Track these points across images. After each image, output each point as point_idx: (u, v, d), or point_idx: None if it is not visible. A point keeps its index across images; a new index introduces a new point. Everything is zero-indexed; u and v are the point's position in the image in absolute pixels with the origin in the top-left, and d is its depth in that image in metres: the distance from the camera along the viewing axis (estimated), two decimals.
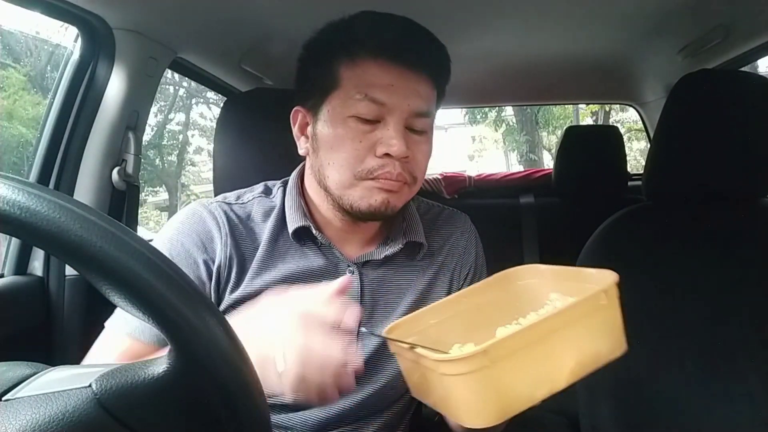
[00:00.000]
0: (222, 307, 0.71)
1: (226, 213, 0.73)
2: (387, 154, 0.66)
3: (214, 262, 0.70)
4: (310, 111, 0.72)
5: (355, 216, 0.71)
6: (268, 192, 0.78)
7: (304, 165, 0.79)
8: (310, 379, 0.49)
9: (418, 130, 0.70)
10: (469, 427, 0.46)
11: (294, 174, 0.79)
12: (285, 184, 0.79)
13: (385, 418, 0.78)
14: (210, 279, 0.70)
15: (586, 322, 0.48)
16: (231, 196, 0.78)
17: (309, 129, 0.73)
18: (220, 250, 0.70)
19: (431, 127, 0.73)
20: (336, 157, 0.68)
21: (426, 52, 0.70)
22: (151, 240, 0.72)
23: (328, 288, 0.54)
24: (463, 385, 0.44)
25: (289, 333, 0.50)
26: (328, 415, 0.74)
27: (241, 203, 0.76)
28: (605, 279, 0.50)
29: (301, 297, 0.54)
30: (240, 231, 0.73)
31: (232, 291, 0.71)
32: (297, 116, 0.75)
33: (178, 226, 0.72)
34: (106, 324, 0.67)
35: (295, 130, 0.76)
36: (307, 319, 0.50)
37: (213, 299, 0.71)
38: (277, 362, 0.49)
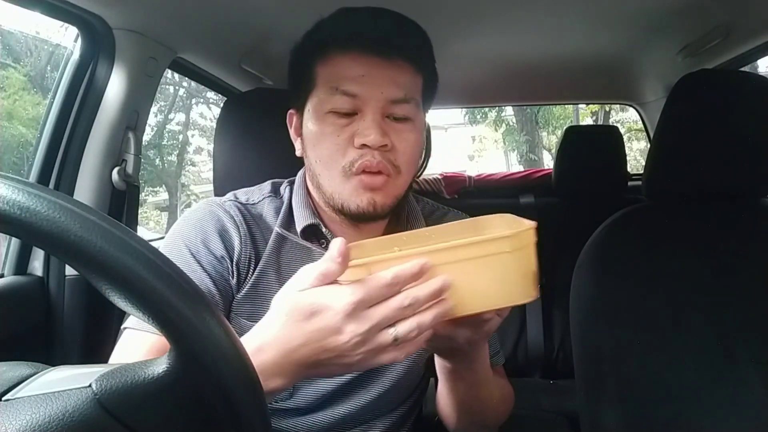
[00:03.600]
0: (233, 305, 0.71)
1: (241, 212, 0.73)
2: (365, 145, 0.66)
3: (233, 260, 0.70)
4: (298, 112, 0.74)
5: (347, 217, 0.71)
6: (276, 191, 0.79)
7: None
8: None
9: (400, 117, 0.69)
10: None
11: (301, 173, 0.79)
12: (292, 184, 0.79)
13: (390, 422, 0.78)
14: (231, 276, 0.70)
15: (476, 264, 0.47)
16: (241, 195, 0.77)
17: (300, 130, 0.74)
18: (239, 248, 0.70)
19: (416, 113, 0.71)
20: (320, 154, 0.69)
21: (399, 37, 0.69)
22: (152, 240, 0.72)
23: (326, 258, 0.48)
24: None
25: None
26: (333, 419, 0.74)
27: (252, 203, 0.76)
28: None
29: (302, 279, 0.49)
30: (255, 230, 0.73)
31: (241, 290, 0.71)
32: (292, 119, 0.77)
33: (195, 224, 0.72)
34: (124, 326, 0.65)
35: (291, 132, 0.77)
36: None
37: (231, 296, 0.71)
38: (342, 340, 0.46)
